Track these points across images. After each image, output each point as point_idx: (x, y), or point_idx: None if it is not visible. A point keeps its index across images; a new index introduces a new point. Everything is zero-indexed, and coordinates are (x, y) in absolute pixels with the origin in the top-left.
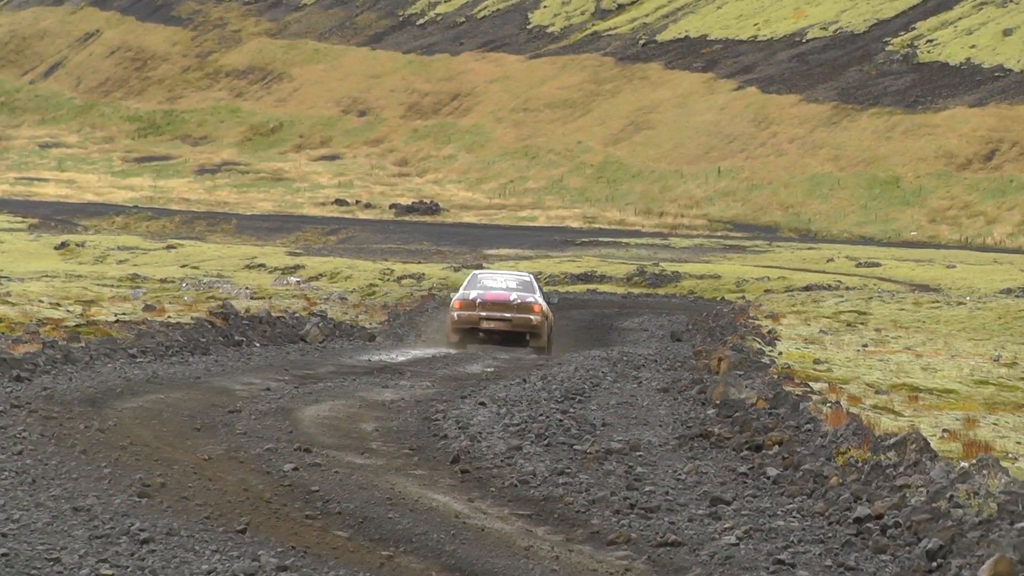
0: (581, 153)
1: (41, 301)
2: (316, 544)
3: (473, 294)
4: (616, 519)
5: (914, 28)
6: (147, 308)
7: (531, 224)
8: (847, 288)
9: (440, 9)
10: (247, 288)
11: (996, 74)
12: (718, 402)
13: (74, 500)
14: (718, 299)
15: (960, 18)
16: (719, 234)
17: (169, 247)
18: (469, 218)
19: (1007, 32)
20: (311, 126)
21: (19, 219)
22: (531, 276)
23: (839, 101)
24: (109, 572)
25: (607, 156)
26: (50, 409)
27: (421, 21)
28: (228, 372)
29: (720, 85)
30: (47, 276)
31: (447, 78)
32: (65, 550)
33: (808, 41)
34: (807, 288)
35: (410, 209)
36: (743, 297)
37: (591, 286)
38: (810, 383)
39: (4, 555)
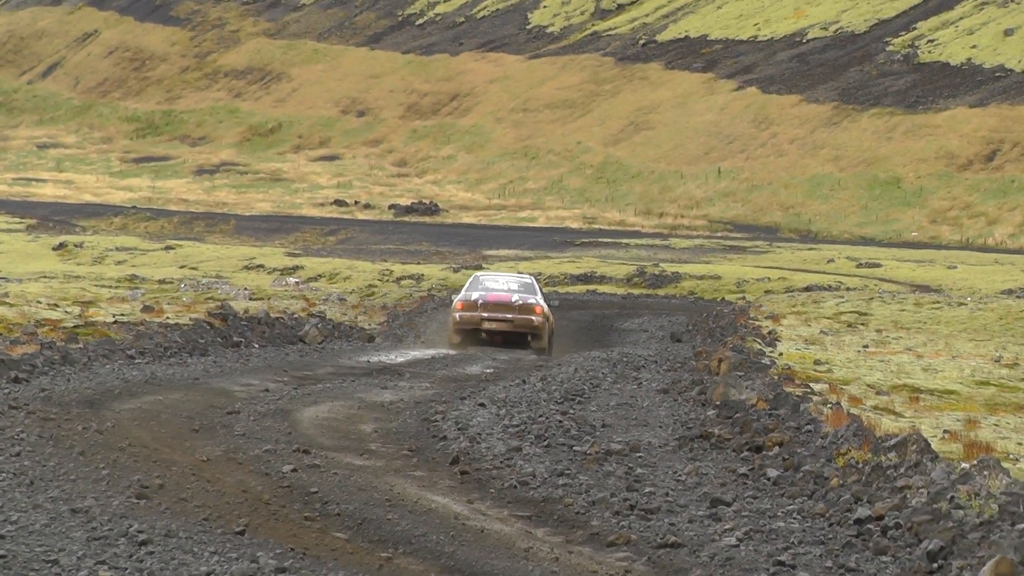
0: (581, 153)
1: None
2: (315, 546)
3: (475, 295)
4: (616, 520)
5: (915, 28)
6: (145, 309)
7: (531, 225)
8: (848, 289)
9: (439, 9)
10: (246, 289)
11: (997, 74)
12: (718, 403)
13: (72, 501)
14: (718, 300)
15: (961, 18)
16: (719, 235)
17: (167, 248)
18: (468, 219)
19: (1008, 32)
20: (310, 126)
21: (17, 220)
22: (532, 278)
23: (839, 101)
24: (107, 574)
25: (607, 156)
26: (48, 410)
27: (420, 21)
28: (227, 373)
29: (720, 85)
30: (45, 277)
31: (446, 78)
32: (63, 552)
33: (808, 41)
34: (807, 289)
35: (409, 210)
36: (743, 298)
37: (591, 287)
38: (810, 384)
39: (2, 557)
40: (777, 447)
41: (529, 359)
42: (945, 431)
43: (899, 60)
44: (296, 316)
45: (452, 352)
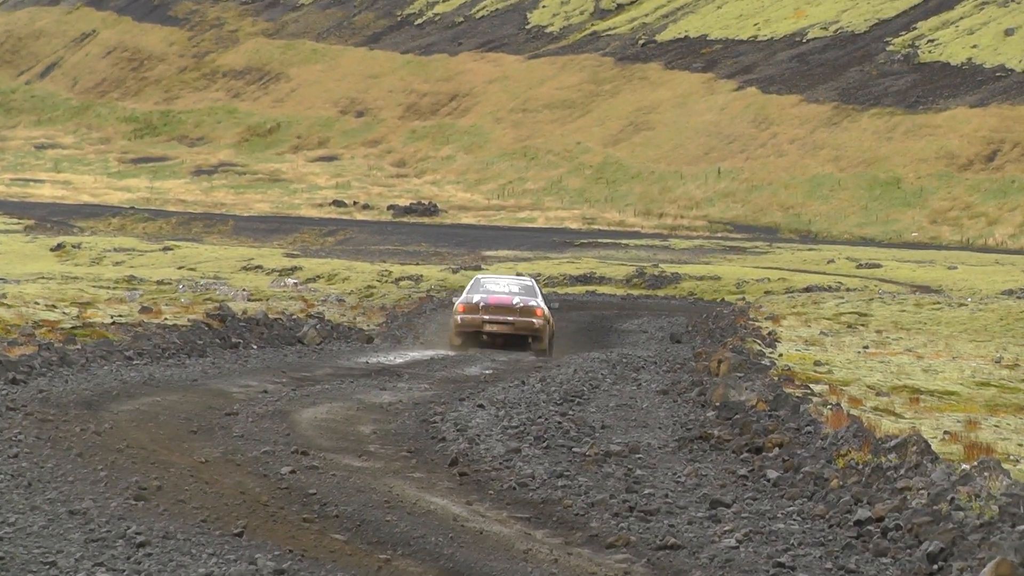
0: (580, 154)
1: (37, 303)
2: (313, 547)
3: (476, 298)
4: (615, 522)
5: (915, 28)
6: (143, 310)
7: (530, 225)
8: (848, 289)
9: (438, 9)
10: (244, 290)
11: (997, 74)
12: (718, 404)
13: (70, 503)
14: (718, 301)
15: (961, 18)
16: (719, 235)
17: (166, 248)
18: (467, 219)
19: (1009, 32)
20: (308, 127)
21: (15, 220)
22: (532, 280)
23: (839, 101)
24: None
25: (606, 157)
26: (46, 412)
27: (419, 21)
28: (225, 374)
29: (720, 85)
30: (43, 278)
31: (445, 78)
32: (61, 553)
33: (808, 41)
34: (807, 289)
35: (408, 210)
36: (743, 299)
37: (590, 287)
38: (810, 385)
39: (0, 559)
40: (777, 448)
41: (528, 360)
42: (945, 432)
43: (899, 60)
44: (295, 317)
45: (451, 353)
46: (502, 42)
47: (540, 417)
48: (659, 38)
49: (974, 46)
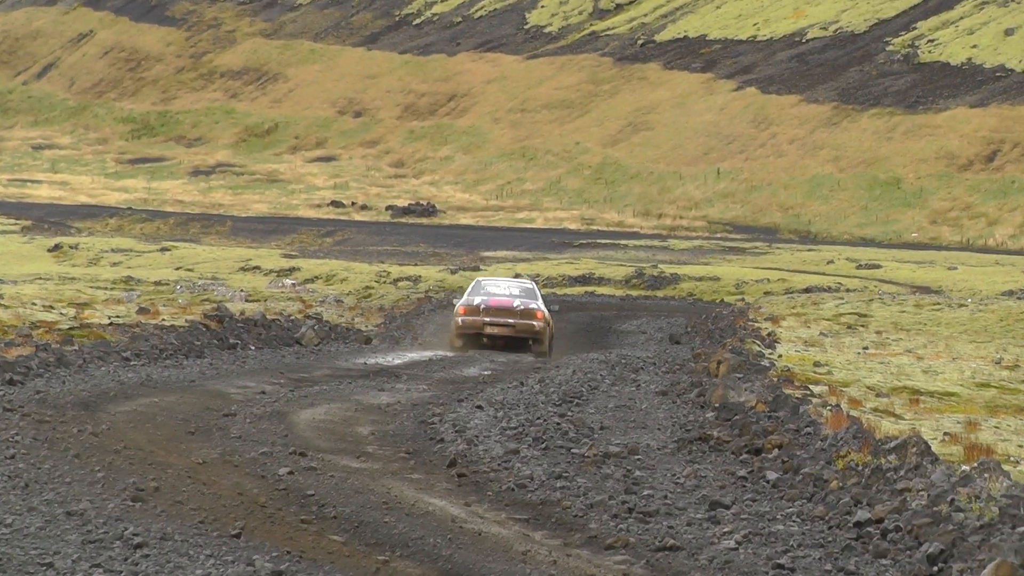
0: (579, 154)
1: (34, 304)
2: (311, 549)
3: (477, 300)
4: (614, 523)
5: (915, 28)
6: (141, 311)
7: (529, 226)
8: (847, 290)
9: (436, 9)
10: (242, 291)
11: (998, 74)
12: (717, 405)
13: (67, 504)
14: (717, 301)
15: (961, 18)
16: (718, 236)
17: (163, 249)
18: (466, 220)
19: (1009, 32)
20: (306, 127)
21: (12, 221)
22: (533, 283)
23: (839, 101)
24: None
25: (605, 157)
26: (43, 413)
27: (417, 21)
28: (223, 375)
29: (719, 85)
30: (40, 278)
31: (444, 78)
32: (58, 555)
33: (808, 41)
34: (807, 290)
35: (406, 211)
36: (742, 299)
37: (589, 288)
38: (810, 386)
39: None
40: (776, 449)
41: (527, 361)
42: (945, 433)
43: (899, 60)
44: (293, 318)
45: (449, 354)
46: (500, 42)
47: (539, 418)
48: (658, 38)
49: (974, 46)
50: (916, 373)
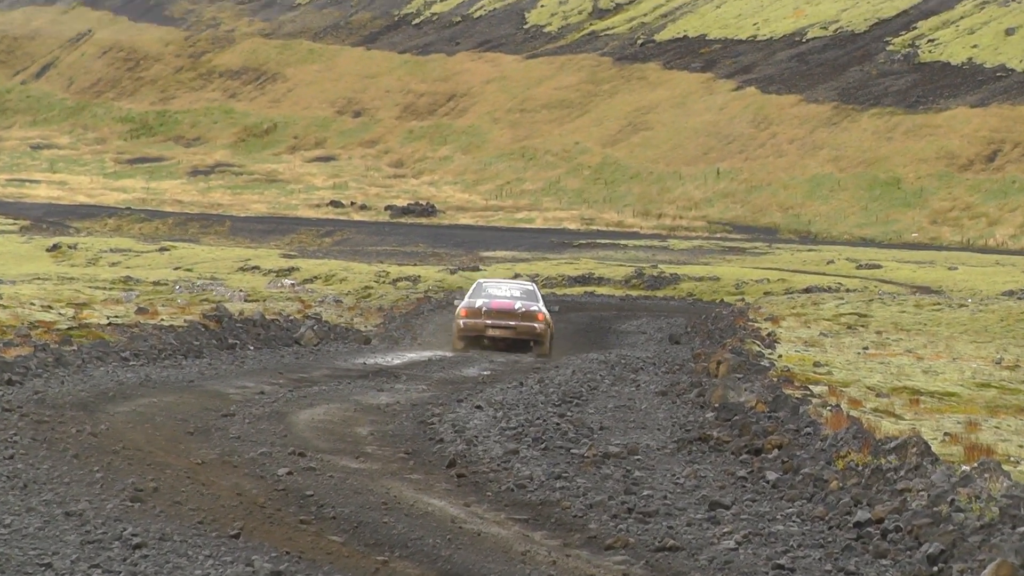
0: (578, 154)
1: (33, 304)
2: (310, 549)
3: (479, 302)
4: (614, 524)
5: (915, 28)
6: (140, 311)
7: (528, 226)
8: (847, 290)
9: (436, 9)
10: (241, 291)
11: (998, 74)
12: (717, 405)
13: (66, 505)
14: (717, 301)
15: (962, 17)
16: (718, 236)
17: (162, 249)
18: (465, 220)
19: (1009, 32)
20: (305, 127)
21: (10, 221)
22: (534, 285)
23: (839, 101)
24: None
25: (605, 157)
26: (42, 413)
27: (417, 21)
28: (222, 375)
29: (719, 85)
30: (39, 278)
31: (443, 78)
32: (57, 555)
33: (808, 41)
34: (807, 290)
35: (406, 211)
36: (742, 299)
37: (589, 288)
38: (810, 386)
39: None
40: (776, 450)
41: (526, 361)
42: (946, 433)
43: (899, 60)
44: (292, 318)
45: (449, 354)
46: (500, 42)
47: (538, 418)
48: (658, 38)
49: (974, 46)
50: (916, 373)
